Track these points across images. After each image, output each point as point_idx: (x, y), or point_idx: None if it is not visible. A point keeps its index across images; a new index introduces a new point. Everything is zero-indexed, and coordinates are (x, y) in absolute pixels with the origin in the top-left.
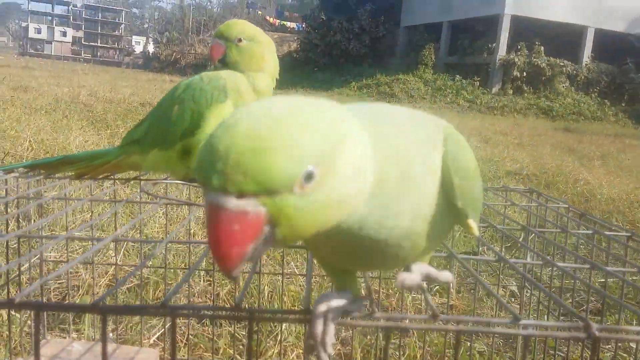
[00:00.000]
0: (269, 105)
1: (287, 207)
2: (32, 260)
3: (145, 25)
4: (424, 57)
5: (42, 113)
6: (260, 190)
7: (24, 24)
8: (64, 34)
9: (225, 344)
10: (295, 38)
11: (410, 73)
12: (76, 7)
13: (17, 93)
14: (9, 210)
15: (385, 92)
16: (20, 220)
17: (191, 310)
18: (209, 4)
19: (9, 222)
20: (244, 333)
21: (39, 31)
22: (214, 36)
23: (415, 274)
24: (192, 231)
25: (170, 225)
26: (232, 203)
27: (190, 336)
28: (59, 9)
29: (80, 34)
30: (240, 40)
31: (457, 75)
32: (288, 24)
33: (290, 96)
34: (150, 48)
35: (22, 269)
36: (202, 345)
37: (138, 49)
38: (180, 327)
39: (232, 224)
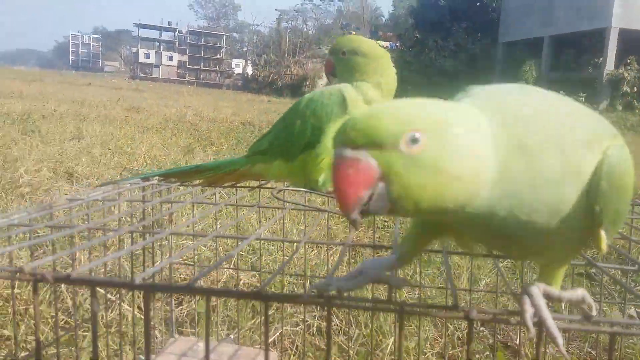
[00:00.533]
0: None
1: (395, 163)
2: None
3: (245, 49)
4: (524, 73)
5: (153, 132)
6: (369, 143)
7: (134, 50)
8: (170, 58)
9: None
10: (391, 56)
11: None
12: (181, 32)
13: (130, 113)
14: (146, 213)
15: None
16: (154, 224)
17: (346, 301)
18: (304, 26)
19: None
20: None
21: (147, 56)
22: (328, 53)
23: (537, 298)
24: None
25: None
26: (349, 152)
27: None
28: (165, 35)
29: (185, 58)
30: (343, 53)
31: (561, 92)
32: (382, 43)
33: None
34: (249, 70)
35: (159, 265)
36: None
37: (237, 71)
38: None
39: (348, 168)
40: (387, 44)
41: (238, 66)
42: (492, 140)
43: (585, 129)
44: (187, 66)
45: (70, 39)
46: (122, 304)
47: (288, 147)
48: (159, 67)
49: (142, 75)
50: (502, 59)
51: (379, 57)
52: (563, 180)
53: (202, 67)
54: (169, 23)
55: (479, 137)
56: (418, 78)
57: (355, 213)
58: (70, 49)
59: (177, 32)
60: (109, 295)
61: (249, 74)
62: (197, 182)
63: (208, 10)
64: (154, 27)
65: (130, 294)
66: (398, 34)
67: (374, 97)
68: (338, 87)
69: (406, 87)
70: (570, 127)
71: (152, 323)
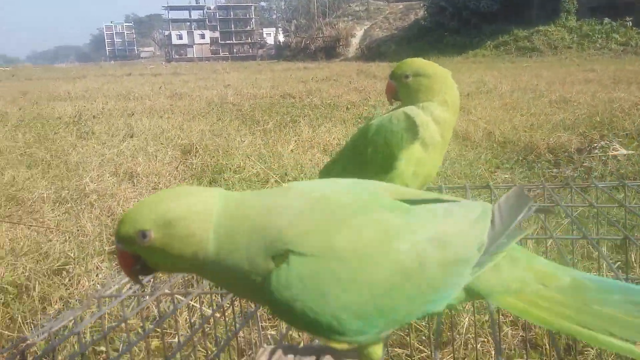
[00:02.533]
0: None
1: (139, 250)
2: None
3: (274, 17)
4: (564, 3)
5: (199, 118)
6: (122, 240)
7: (166, 33)
8: (202, 36)
9: None
10: (421, 5)
11: (551, 23)
12: (210, 9)
13: (174, 101)
14: None
15: (525, 46)
16: None
17: None
18: None
19: None
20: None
21: (180, 37)
22: (389, 77)
23: None
24: None
25: None
26: (117, 245)
27: None
28: (195, 14)
29: (216, 34)
30: (407, 77)
31: (606, 18)
32: None
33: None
34: (281, 38)
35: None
36: None
37: (269, 40)
38: None
39: (119, 254)
40: None
41: (269, 35)
42: (214, 227)
43: (275, 232)
44: (220, 42)
45: (104, 30)
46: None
47: (359, 176)
48: (192, 47)
49: (177, 57)
50: None
51: (443, 76)
52: (248, 277)
53: (234, 41)
54: (197, 1)
55: (202, 225)
56: (453, 23)
57: (135, 279)
58: (106, 40)
59: (206, 9)
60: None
61: (281, 41)
62: None
63: None
64: (183, 8)
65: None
66: None
67: (443, 116)
68: (404, 110)
69: (442, 33)
70: (267, 227)
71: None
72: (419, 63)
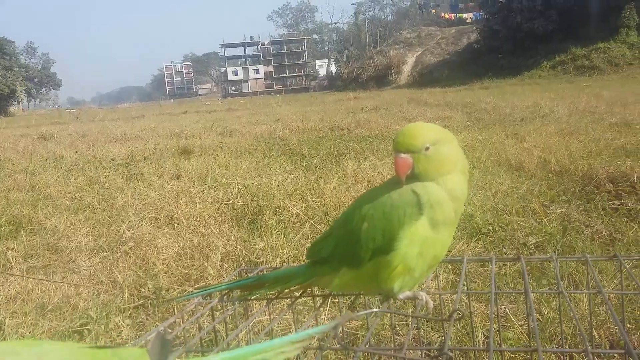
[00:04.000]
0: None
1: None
2: None
3: (326, 48)
4: (624, 18)
5: (245, 155)
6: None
7: (222, 70)
8: (257, 71)
9: None
10: (474, 28)
11: (611, 39)
12: (264, 44)
13: (224, 138)
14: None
15: (584, 65)
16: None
17: None
18: (382, 14)
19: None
20: None
21: (235, 73)
22: (394, 149)
23: None
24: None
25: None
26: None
27: None
28: (250, 50)
29: (270, 68)
30: (427, 148)
31: None
32: (464, 15)
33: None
34: (332, 68)
35: None
36: None
37: (322, 71)
38: None
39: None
40: (470, 15)
41: (322, 66)
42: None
43: None
44: (274, 76)
45: (164, 70)
46: None
47: (353, 253)
48: (247, 82)
49: (233, 92)
50: (597, 8)
51: (454, 138)
52: None
53: (288, 74)
54: (252, 38)
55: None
56: (507, 45)
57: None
58: (166, 80)
59: (260, 44)
60: None
61: (333, 72)
62: (267, 295)
63: (286, 18)
64: (238, 45)
65: None
66: (480, 2)
67: (462, 189)
68: (410, 187)
69: (496, 56)
70: None
71: None
72: (436, 129)
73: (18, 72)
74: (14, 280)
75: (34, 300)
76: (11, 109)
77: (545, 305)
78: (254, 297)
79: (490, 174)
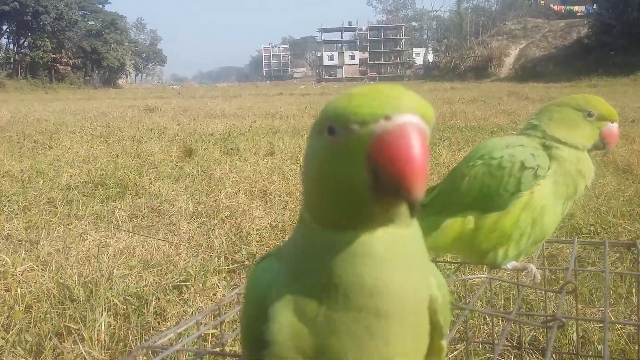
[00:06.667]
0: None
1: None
2: None
3: (424, 36)
4: None
5: None
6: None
7: (318, 54)
8: (352, 57)
9: None
10: (584, 22)
11: None
12: (362, 30)
13: None
14: None
15: None
16: None
17: None
18: (486, 3)
19: None
20: None
21: (331, 58)
22: (613, 119)
23: None
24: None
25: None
26: (418, 121)
27: None
28: (347, 36)
29: (366, 55)
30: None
31: None
32: (575, 8)
33: None
34: (430, 57)
35: None
36: None
37: (418, 60)
38: None
39: (420, 139)
40: (582, 8)
41: (419, 55)
42: None
43: None
44: (369, 62)
45: (262, 52)
46: None
47: (450, 200)
48: (342, 68)
49: (327, 77)
50: None
51: None
52: None
53: (383, 61)
54: (350, 23)
55: None
56: (621, 42)
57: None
58: (263, 61)
59: (358, 30)
60: None
61: (430, 61)
62: None
63: (386, 4)
64: (336, 30)
65: None
66: None
67: (590, 167)
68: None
69: (608, 52)
70: None
71: None
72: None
73: (128, 47)
74: (121, 237)
75: (137, 256)
76: (120, 81)
77: None
78: None
79: (595, 174)
